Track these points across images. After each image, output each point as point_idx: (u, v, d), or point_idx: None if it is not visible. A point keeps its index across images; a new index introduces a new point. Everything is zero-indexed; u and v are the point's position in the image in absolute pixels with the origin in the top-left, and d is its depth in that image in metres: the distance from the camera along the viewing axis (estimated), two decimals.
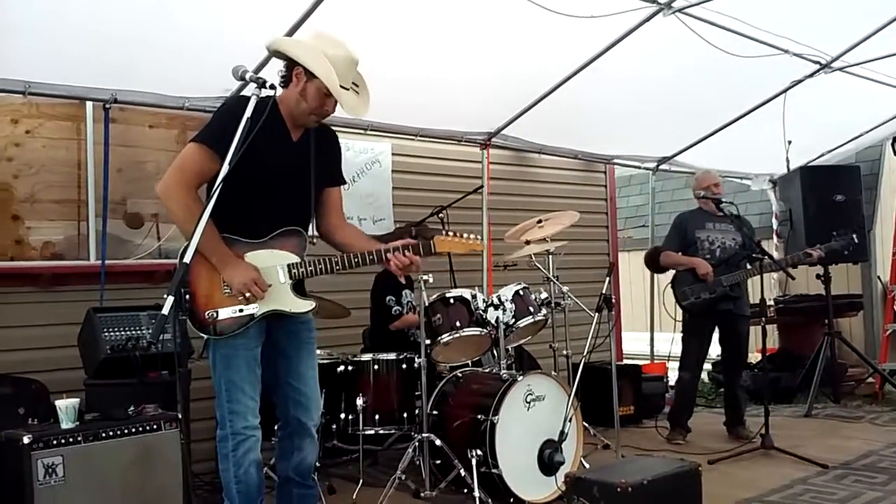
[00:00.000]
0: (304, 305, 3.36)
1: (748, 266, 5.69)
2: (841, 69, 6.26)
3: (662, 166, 7.93)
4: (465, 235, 3.52)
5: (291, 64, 3.26)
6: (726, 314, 5.84)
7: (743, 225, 5.94)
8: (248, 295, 3.20)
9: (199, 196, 3.17)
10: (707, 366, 6.31)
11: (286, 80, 3.29)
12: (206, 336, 3.25)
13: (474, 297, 4.83)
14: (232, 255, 3.23)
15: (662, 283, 6.66)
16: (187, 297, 2.73)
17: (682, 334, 6.07)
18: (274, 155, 3.29)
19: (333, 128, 3.61)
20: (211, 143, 3.11)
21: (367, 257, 3.35)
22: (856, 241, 5.85)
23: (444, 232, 3.55)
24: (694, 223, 6.02)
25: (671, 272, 6.09)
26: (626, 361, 7.58)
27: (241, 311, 3.23)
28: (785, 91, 6.56)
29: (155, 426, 3.71)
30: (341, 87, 3.20)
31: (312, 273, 3.33)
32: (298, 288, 3.38)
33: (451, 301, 4.77)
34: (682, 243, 6.01)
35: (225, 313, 3.22)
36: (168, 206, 3.23)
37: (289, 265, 3.32)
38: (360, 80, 3.36)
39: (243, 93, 4.86)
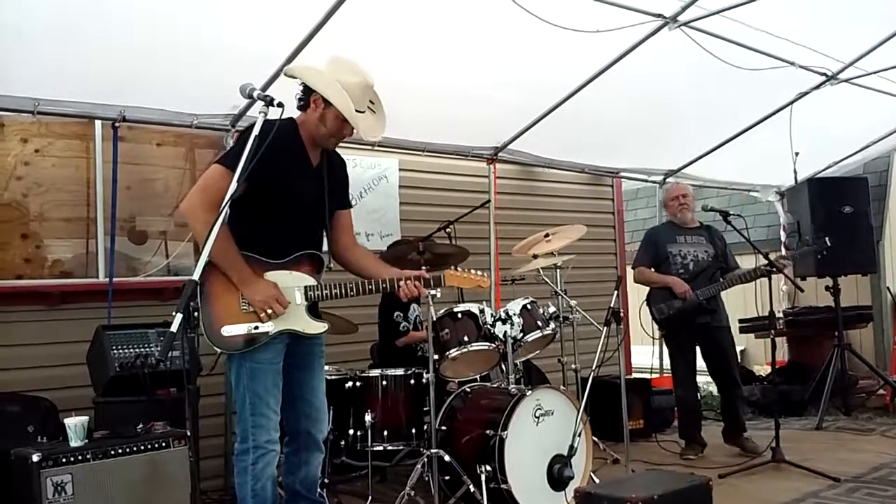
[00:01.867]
0: (318, 327, 3.45)
1: (722, 279, 5.71)
2: (847, 80, 6.27)
3: (669, 179, 7.93)
4: (474, 272, 3.73)
5: (309, 90, 3.36)
6: (704, 328, 5.77)
7: (714, 236, 5.93)
8: (269, 311, 3.26)
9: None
10: (708, 378, 6.24)
11: (304, 105, 3.38)
12: (221, 351, 3.30)
13: (482, 311, 4.82)
14: (252, 272, 3.30)
15: None
16: (195, 314, 2.74)
17: (668, 351, 6.07)
18: (297, 178, 3.39)
19: (341, 144, 3.66)
20: (234, 167, 3.12)
21: (381, 285, 3.50)
22: (828, 244, 5.78)
23: (453, 267, 3.72)
24: (665, 237, 5.99)
25: None
26: (635, 375, 7.55)
27: (256, 328, 3.29)
28: (791, 103, 6.55)
29: (164, 443, 3.72)
30: (357, 111, 3.31)
31: (328, 296, 3.43)
32: (312, 309, 3.45)
33: (459, 316, 4.76)
34: (654, 258, 5.98)
35: (241, 329, 3.28)
36: (192, 225, 3.30)
37: (306, 287, 3.41)
38: (375, 98, 3.47)
39: (251, 111, 4.92)
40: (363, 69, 3.39)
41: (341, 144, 3.63)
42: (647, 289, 6.04)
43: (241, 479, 3.34)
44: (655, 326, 6.11)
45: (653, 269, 5.96)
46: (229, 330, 3.26)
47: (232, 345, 3.28)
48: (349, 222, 3.70)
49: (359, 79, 3.35)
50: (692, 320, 5.75)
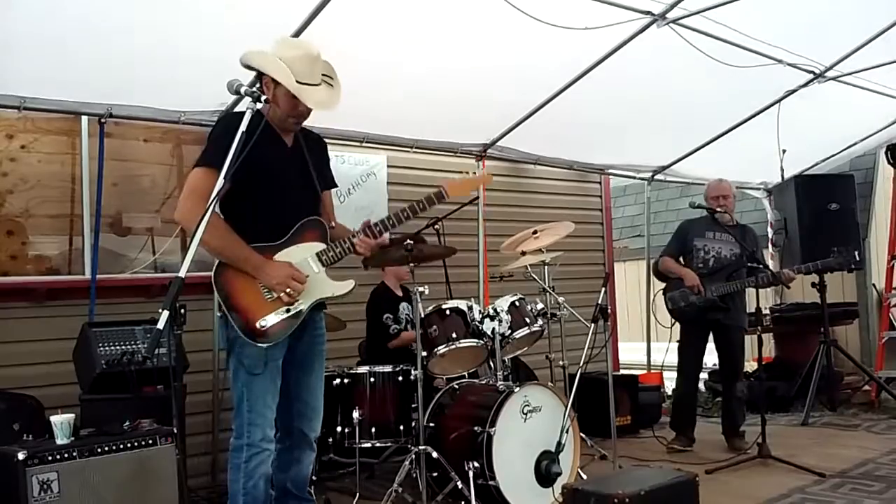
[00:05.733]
0: (345, 286, 3.45)
1: (745, 277, 5.71)
2: (834, 79, 6.30)
3: (657, 176, 7.96)
4: (472, 173, 3.70)
5: (260, 74, 3.32)
6: (716, 324, 5.84)
7: (746, 236, 5.90)
8: (288, 291, 3.25)
9: (217, 213, 3.18)
10: (704, 375, 6.28)
11: (261, 91, 3.32)
12: (266, 346, 3.25)
13: (470, 308, 4.83)
14: (263, 259, 3.29)
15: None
16: (182, 311, 2.71)
17: (679, 342, 6.09)
18: (275, 161, 3.37)
19: (329, 140, 3.66)
20: (216, 164, 3.07)
21: (347, 242, 3.45)
22: (857, 258, 5.84)
23: (452, 174, 3.74)
24: (694, 231, 6.03)
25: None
26: (622, 371, 7.58)
27: (288, 311, 3.28)
28: (779, 101, 6.60)
29: (150, 441, 3.69)
30: (307, 83, 3.26)
31: (341, 255, 3.44)
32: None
33: (447, 312, 4.76)
34: (680, 250, 6.06)
35: (275, 318, 3.26)
36: (191, 230, 3.24)
37: (317, 254, 3.41)
38: (330, 71, 3.40)
39: (238, 107, 4.88)
40: (305, 42, 3.35)
41: (329, 140, 3.62)
42: (645, 286, 6.07)
43: (233, 475, 3.33)
44: (669, 318, 6.10)
45: (678, 260, 6.02)
46: (265, 322, 3.24)
47: (274, 335, 3.26)
48: (330, 203, 3.70)
49: (300, 51, 3.28)
50: (704, 315, 5.80)
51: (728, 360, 5.96)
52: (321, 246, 3.42)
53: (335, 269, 3.49)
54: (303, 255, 3.38)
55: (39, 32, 4.04)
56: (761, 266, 5.69)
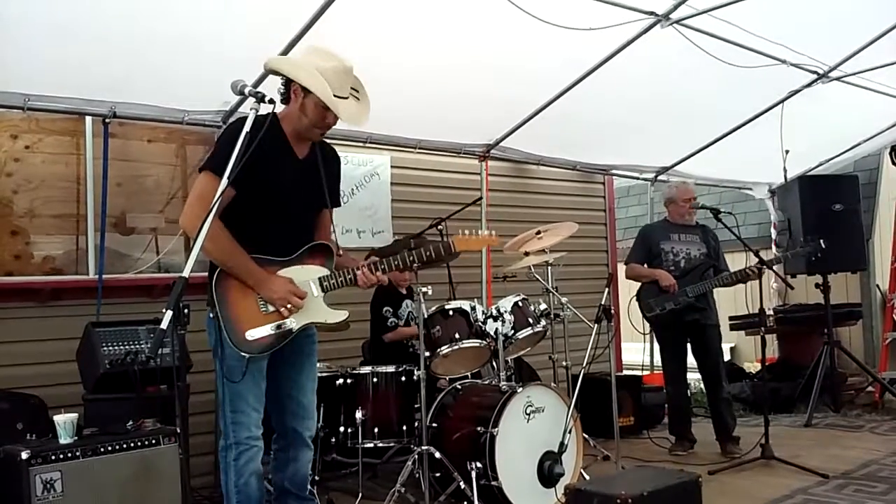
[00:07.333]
0: (339, 315, 3.44)
1: (714, 276, 5.76)
2: (838, 79, 6.28)
3: (661, 177, 7.94)
4: (482, 232, 3.78)
5: (289, 81, 3.31)
6: (694, 325, 5.81)
7: (708, 235, 5.98)
8: (289, 306, 3.26)
9: (222, 223, 3.17)
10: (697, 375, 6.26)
11: (286, 98, 3.34)
12: (249, 356, 3.25)
13: (473, 308, 4.83)
14: (265, 273, 3.29)
15: None
16: (186, 311, 2.71)
17: (659, 348, 6.07)
18: (280, 174, 3.34)
19: (333, 140, 3.64)
20: (221, 170, 3.06)
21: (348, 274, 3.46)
22: (823, 246, 5.84)
23: (460, 231, 3.72)
24: (658, 235, 6.04)
25: None
26: (625, 372, 7.57)
27: (279, 326, 3.30)
28: (783, 101, 6.58)
29: (154, 441, 3.70)
30: (338, 96, 3.26)
31: (343, 283, 3.43)
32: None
33: (451, 313, 4.76)
34: (646, 255, 6.03)
35: (265, 331, 3.28)
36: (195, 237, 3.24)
37: (320, 278, 3.41)
38: (358, 85, 3.41)
39: (242, 107, 4.90)
40: (339, 54, 3.31)
41: (333, 140, 3.61)
42: (639, 285, 6.06)
43: (224, 475, 3.35)
44: (645, 323, 6.12)
45: (644, 266, 6.00)
46: (253, 334, 3.25)
47: (259, 347, 3.27)
48: (330, 220, 3.64)
49: (334, 63, 3.27)
50: (681, 317, 5.77)
51: (709, 362, 5.89)
52: (325, 271, 3.42)
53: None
54: (305, 276, 3.38)
55: (44, 27, 4.03)
56: (723, 265, 5.87)
